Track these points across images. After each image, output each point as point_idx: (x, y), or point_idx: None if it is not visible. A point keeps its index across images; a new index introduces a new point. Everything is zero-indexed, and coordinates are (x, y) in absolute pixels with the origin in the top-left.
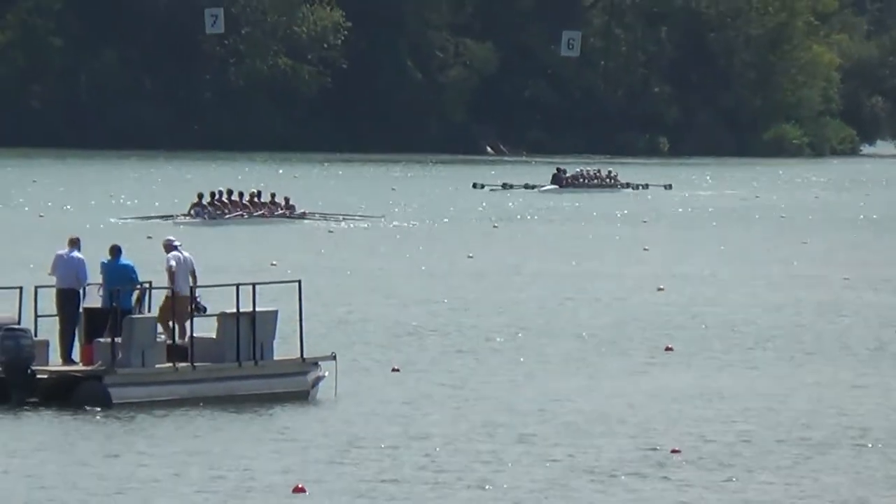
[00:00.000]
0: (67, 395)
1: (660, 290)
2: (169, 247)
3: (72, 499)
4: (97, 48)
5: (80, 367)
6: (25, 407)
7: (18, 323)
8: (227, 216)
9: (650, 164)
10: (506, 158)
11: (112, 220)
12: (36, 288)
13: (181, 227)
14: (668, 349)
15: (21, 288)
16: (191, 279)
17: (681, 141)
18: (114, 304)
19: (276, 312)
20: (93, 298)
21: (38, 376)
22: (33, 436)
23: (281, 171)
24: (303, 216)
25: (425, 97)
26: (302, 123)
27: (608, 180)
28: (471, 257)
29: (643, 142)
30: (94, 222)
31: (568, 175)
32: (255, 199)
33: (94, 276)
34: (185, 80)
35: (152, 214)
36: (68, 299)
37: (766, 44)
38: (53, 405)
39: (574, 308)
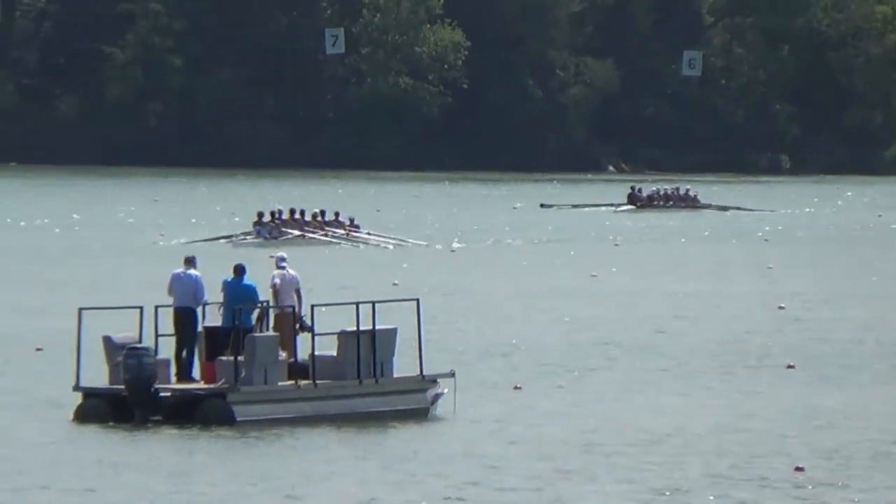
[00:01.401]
0: (190, 413)
1: (780, 308)
2: (276, 264)
3: None
4: (216, 68)
5: (203, 385)
6: (148, 425)
7: (139, 342)
8: (287, 235)
9: (771, 183)
10: (627, 177)
11: (181, 241)
12: (156, 307)
13: (241, 246)
14: (789, 367)
15: (141, 308)
16: (295, 297)
17: (802, 159)
18: (236, 322)
19: (395, 330)
20: (211, 317)
21: (161, 395)
22: (157, 454)
23: (389, 191)
24: (367, 236)
25: (546, 116)
26: (422, 143)
27: (688, 199)
28: (594, 276)
29: (765, 160)
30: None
31: (644, 194)
32: (318, 219)
33: (212, 294)
34: (306, 99)
35: (216, 235)
36: (185, 318)
37: (886, 62)
38: (176, 423)
39: (693, 326)
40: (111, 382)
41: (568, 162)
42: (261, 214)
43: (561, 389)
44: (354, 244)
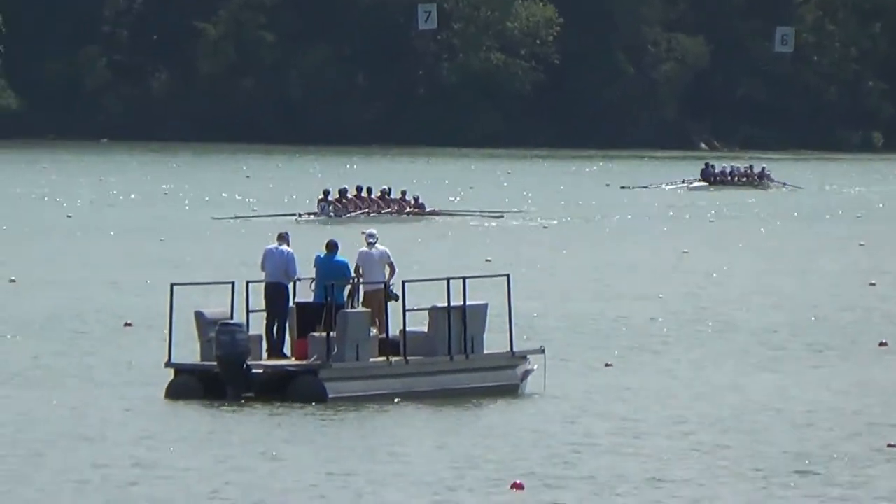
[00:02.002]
0: (282, 389)
1: (871, 285)
2: (366, 241)
3: (292, 490)
4: (308, 44)
5: (295, 361)
6: (241, 402)
7: (231, 318)
8: (352, 213)
9: (862, 160)
10: (718, 154)
11: (248, 216)
12: (247, 283)
13: (305, 224)
14: (882, 344)
15: (233, 283)
16: (387, 270)
17: (895, 136)
18: (328, 298)
19: (485, 306)
20: (302, 293)
21: (253, 371)
22: (249, 431)
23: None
24: (433, 214)
25: (637, 93)
26: (514, 119)
27: (761, 177)
28: (686, 252)
29: (857, 138)
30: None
31: (717, 171)
32: (386, 197)
33: (304, 271)
34: (398, 75)
35: (280, 212)
36: (277, 294)
37: None
38: (268, 400)
39: (784, 303)
40: (203, 358)
41: (660, 139)
42: (326, 192)
43: (651, 366)
44: (420, 221)
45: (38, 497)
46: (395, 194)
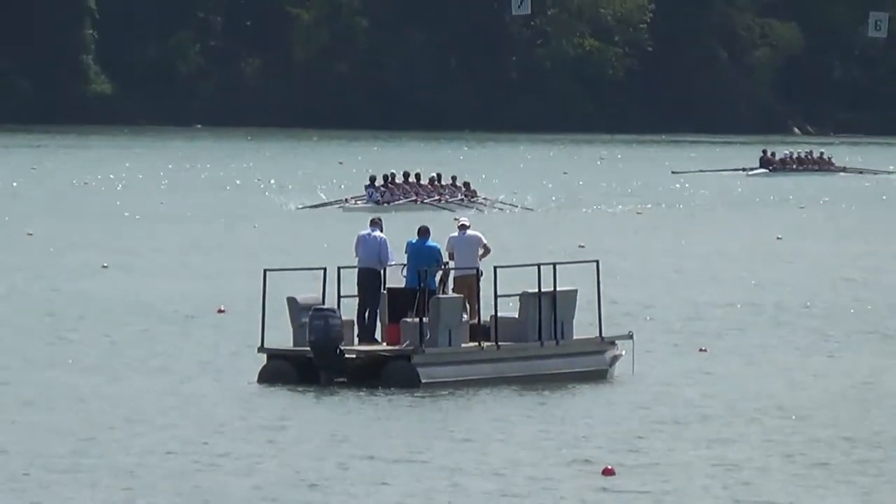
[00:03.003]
0: (375, 374)
1: None
2: (458, 226)
3: (386, 475)
4: (403, 29)
5: (387, 346)
6: (334, 387)
7: (323, 303)
8: (399, 200)
9: None
10: (812, 140)
11: (292, 206)
12: (338, 269)
13: (351, 210)
14: None
15: (325, 269)
16: (481, 250)
17: None
18: (421, 284)
19: (575, 291)
20: (392, 278)
21: (347, 356)
22: (342, 416)
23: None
24: (484, 202)
25: (731, 78)
26: (608, 105)
27: (822, 163)
28: (780, 238)
29: None
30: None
31: (777, 157)
32: (436, 183)
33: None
34: (491, 61)
35: (327, 200)
36: (369, 279)
37: None
38: (361, 385)
39: (878, 290)
40: (296, 344)
41: (754, 124)
42: (373, 178)
43: (745, 352)
44: (472, 208)
45: (134, 483)
46: (446, 180)
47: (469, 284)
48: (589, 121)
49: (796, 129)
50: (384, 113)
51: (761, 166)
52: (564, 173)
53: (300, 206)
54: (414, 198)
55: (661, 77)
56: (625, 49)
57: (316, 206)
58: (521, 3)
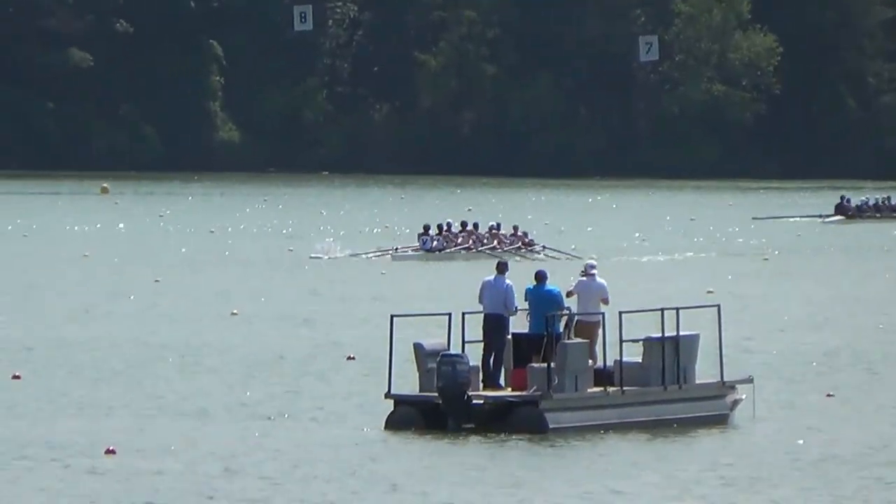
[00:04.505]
0: (503, 420)
1: None
2: (585, 272)
3: None
4: (529, 75)
5: (514, 392)
6: (462, 432)
7: (448, 349)
8: (453, 248)
9: None
10: None
11: (346, 253)
12: (463, 314)
13: (402, 259)
14: None
15: (450, 314)
16: (602, 305)
17: None
18: (548, 329)
19: (698, 336)
20: (516, 324)
21: (474, 402)
22: (471, 461)
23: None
24: (541, 250)
25: (859, 124)
26: (735, 150)
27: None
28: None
29: None
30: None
31: (853, 204)
32: (494, 231)
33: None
34: (619, 107)
35: (381, 249)
36: (495, 325)
37: None
38: (489, 431)
39: None
40: (422, 389)
41: (881, 169)
42: (427, 227)
43: (864, 397)
44: (528, 258)
45: None
46: (506, 229)
47: (592, 330)
48: (716, 166)
49: None
50: (510, 159)
51: (837, 213)
52: (692, 219)
53: (352, 254)
54: (469, 246)
55: (789, 122)
56: (753, 94)
57: (368, 255)
58: (649, 49)
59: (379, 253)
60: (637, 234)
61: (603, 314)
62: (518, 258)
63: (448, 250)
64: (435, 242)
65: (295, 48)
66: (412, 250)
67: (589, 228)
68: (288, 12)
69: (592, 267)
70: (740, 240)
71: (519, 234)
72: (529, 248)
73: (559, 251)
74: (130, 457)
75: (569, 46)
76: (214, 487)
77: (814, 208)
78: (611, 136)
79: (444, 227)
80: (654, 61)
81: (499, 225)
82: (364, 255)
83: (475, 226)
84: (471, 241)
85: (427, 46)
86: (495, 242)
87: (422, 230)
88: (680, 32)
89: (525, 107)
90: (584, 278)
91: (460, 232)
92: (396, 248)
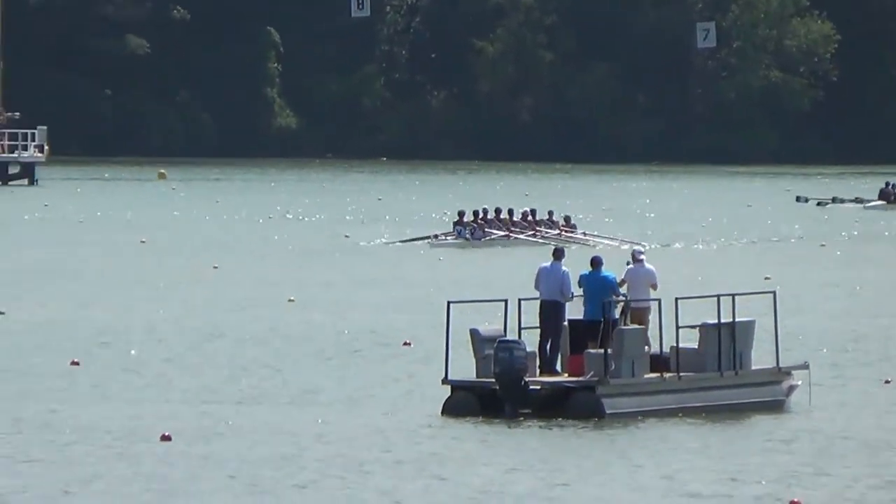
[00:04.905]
0: (559, 406)
1: None
2: (634, 258)
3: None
4: (588, 62)
5: (571, 377)
6: (518, 418)
7: (504, 335)
8: (490, 236)
9: None
10: None
11: (377, 241)
12: (519, 300)
13: (439, 247)
14: None
15: (506, 300)
16: (651, 292)
17: None
18: (605, 315)
19: (754, 322)
20: (572, 310)
21: (531, 388)
22: (528, 447)
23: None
24: (583, 237)
25: None
26: (793, 137)
27: None
28: None
29: None
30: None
31: None
32: (529, 218)
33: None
34: (676, 93)
35: (415, 236)
36: (552, 311)
37: None
38: (546, 416)
39: None
40: (479, 375)
41: None
42: (462, 214)
43: None
44: (570, 244)
45: None
46: (542, 215)
47: (642, 316)
48: (774, 152)
49: None
50: (567, 145)
51: (880, 199)
52: (749, 205)
53: (388, 241)
54: (506, 233)
55: (846, 109)
56: (810, 80)
57: (405, 242)
58: (706, 36)
59: (416, 239)
60: (694, 221)
61: (659, 300)
62: (560, 244)
63: (489, 237)
64: (469, 231)
65: (352, 34)
66: (450, 238)
67: (648, 214)
68: None
69: (640, 253)
70: (797, 226)
71: (555, 219)
72: (570, 234)
73: (601, 236)
74: (186, 443)
75: (626, 33)
76: (270, 474)
77: (864, 193)
78: (668, 123)
79: (480, 214)
80: (712, 48)
81: (534, 211)
82: (400, 242)
83: (510, 212)
84: (506, 229)
85: (484, 33)
86: (533, 229)
87: (457, 218)
88: (737, 19)
89: (582, 93)
90: (633, 265)
91: (495, 219)
92: (436, 236)
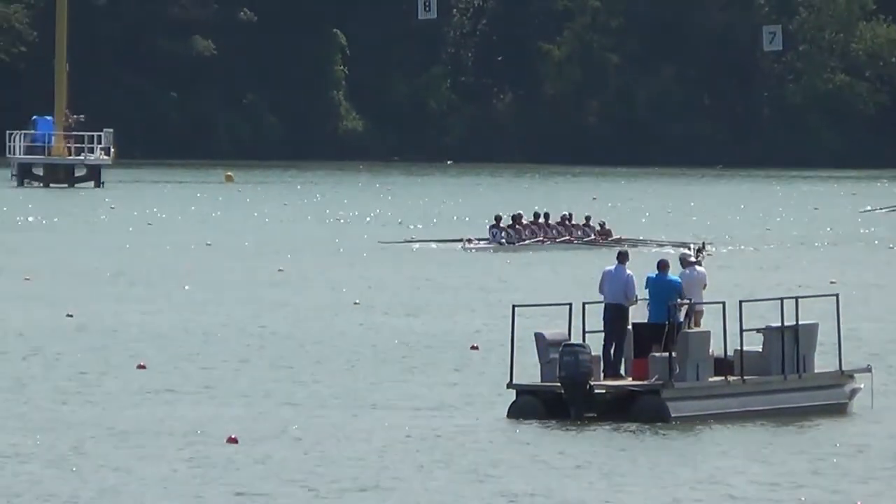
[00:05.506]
0: (625, 409)
1: None
2: (684, 262)
3: None
4: (654, 65)
5: (632, 381)
6: (584, 422)
7: (568, 339)
8: (526, 241)
9: None
10: None
11: (411, 238)
12: (583, 304)
13: (474, 251)
14: None
15: (570, 304)
16: (702, 293)
17: None
18: (670, 319)
19: (816, 325)
20: (636, 314)
21: (596, 391)
22: (594, 452)
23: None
24: (618, 242)
25: None
26: (858, 140)
27: None
28: None
29: None
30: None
31: None
32: (566, 223)
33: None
34: (743, 96)
35: (447, 237)
36: (616, 315)
37: None
38: (611, 420)
39: None
40: (543, 379)
41: None
42: (498, 218)
43: None
44: (605, 249)
45: None
46: (578, 220)
47: (697, 318)
48: (840, 156)
49: None
50: (634, 148)
51: None
52: (815, 208)
53: (412, 240)
54: (541, 238)
55: None
56: (875, 84)
57: (438, 243)
58: (772, 39)
59: (448, 241)
60: (760, 223)
61: (723, 303)
62: (596, 249)
63: (525, 242)
64: (505, 235)
65: (419, 37)
66: (484, 242)
67: (712, 217)
68: (412, 1)
69: (690, 256)
70: (863, 230)
71: (591, 224)
72: (607, 239)
73: (639, 240)
74: (252, 445)
75: (692, 35)
76: (335, 476)
77: None
78: (734, 126)
79: (517, 219)
80: (778, 51)
81: (570, 216)
82: (434, 244)
83: (546, 216)
84: (542, 234)
85: (551, 36)
86: (569, 234)
87: (493, 222)
88: (804, 22)
89: (648, 96)
90: (686, 270)
91: (531, 223)
92: (469, 240)
